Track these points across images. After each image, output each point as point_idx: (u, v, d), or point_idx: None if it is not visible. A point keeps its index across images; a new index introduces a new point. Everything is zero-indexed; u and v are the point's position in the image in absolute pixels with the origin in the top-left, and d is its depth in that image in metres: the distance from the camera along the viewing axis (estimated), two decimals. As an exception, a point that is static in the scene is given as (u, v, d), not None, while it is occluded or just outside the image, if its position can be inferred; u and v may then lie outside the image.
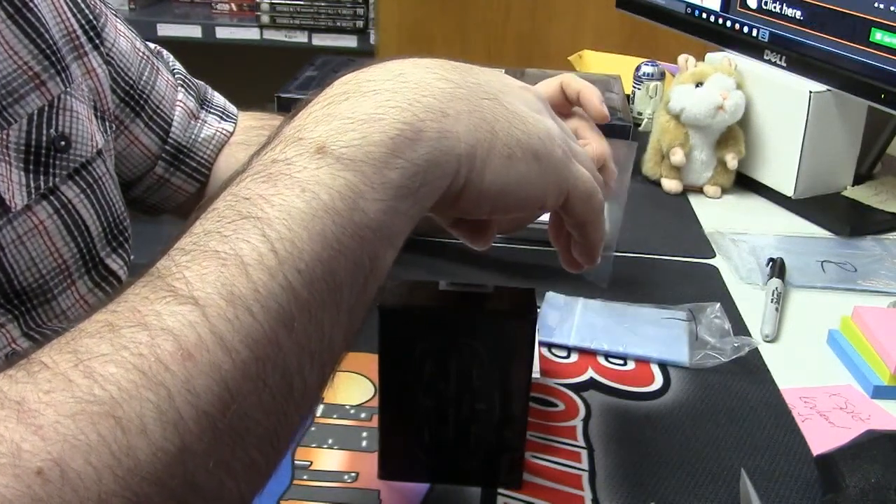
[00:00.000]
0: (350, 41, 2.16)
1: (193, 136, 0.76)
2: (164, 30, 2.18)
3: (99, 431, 0.29)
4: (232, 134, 0.79)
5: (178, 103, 0.75)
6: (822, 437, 0.59)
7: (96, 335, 0.31)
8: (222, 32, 2.19)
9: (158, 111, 0.73)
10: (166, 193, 0.76)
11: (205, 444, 0.31)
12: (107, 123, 0.66)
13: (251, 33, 2.18)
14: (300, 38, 2.17)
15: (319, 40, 2.16)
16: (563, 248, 0.52)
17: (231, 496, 0.33)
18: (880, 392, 0.65)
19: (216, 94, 0.81)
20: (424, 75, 0.40)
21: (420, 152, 0.38)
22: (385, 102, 0.38)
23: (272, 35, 2.17)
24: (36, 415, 0.29)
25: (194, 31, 2.19)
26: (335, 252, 0.35)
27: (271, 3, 2.13)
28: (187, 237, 0.35)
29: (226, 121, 0.79)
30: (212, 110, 0.79)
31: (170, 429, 0.30)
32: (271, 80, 1.20)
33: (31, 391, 0.29)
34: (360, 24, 2.14)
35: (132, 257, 0.67)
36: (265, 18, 2.14)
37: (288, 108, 1.04)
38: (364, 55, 2.12)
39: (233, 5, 2.29)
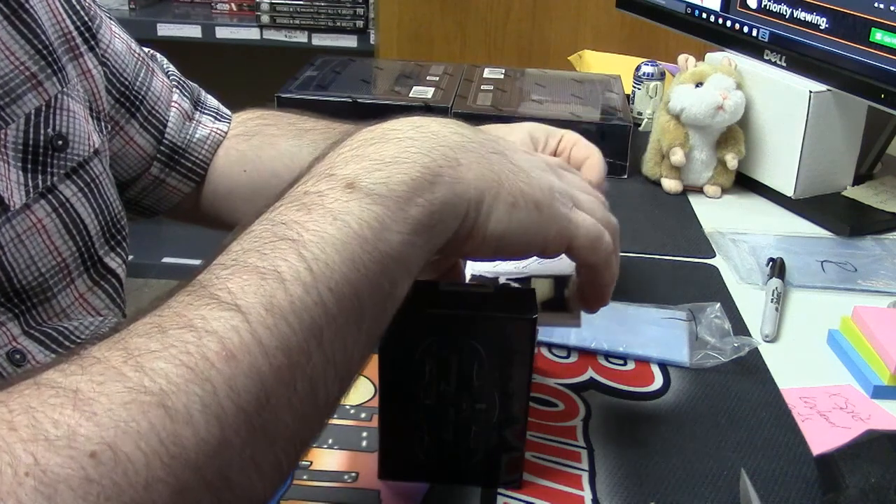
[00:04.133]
0: (350, 41, 2.16)
1: (188, 137, 0.76)
2: (164, 30, 2.18)
3: (149, 419, 0.31)
4: (226, 133, 0.79)
5: (173, 104, 0.75)
6: (822, 437, 0.59)
7: (145, 335, 0.34)
8: (222, 32, 2.19)
9: (154, 112, 0.73)
10: (162, 194, 0.76)
11: (241, 440, 0.33)
12: (102, 124, 0.66)
13: (251, 33, 2.18)
14: (300, 38, 2.17)
15: (319, 40, 2.16)
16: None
17: (257, 494, 0.35)
18: (880, 392, 0.65)
19: (209, 96, 0.82)
20: (440, 128, 0.45)
21: (437, 194, 0.42)
22: (407, 148, 0.43)
23: (272, 35, 2.17)
24: (91, 402, 0.31)
25: (194, 31, 2.19)
26: (361, 276, 0.38)
27: (271, 3, 2.13)
28: (225, 255, 0.38)
29: (220, 121, 0.79)
30: (206, 111, 0.79)
31: (213, 421, 0.32)
32: (271, 80, 1.20)
33: (85, 382, 0.31)
34: (360, 24, 2.14)
35: (130, 256, 0.67)
36: (265, 18, 2.14)
37: (288, 109, 1.04)
38: (364, 55, 2.12)
39: (233, 5, 2.29)
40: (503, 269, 0.61)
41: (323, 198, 0.40)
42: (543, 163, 0.50)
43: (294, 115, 0.81)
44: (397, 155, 0.42)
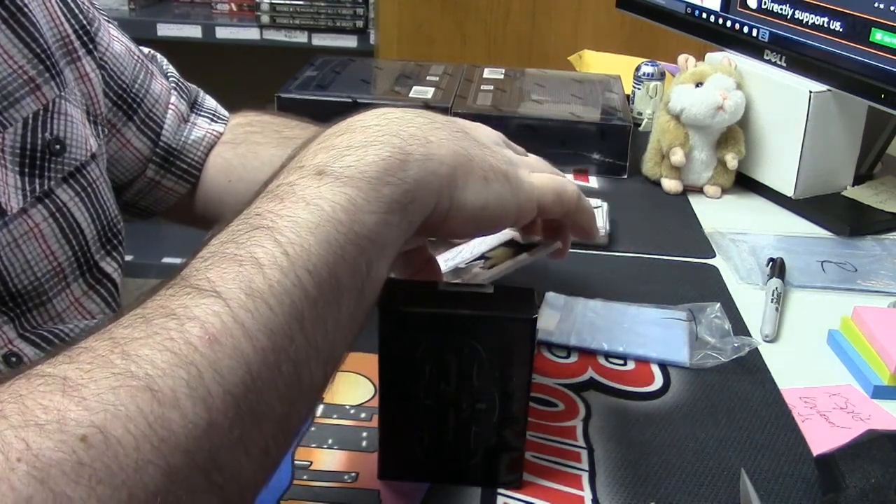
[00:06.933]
0: (350, 41, 2.16)
1: (183, 139, 0.76)
2: (164, 30, 2.18)
3: (137, 403, 0.32)
4: (222, 135, 0.79)
5: (170, 106, 0.75)
6: (822, 437, 0.59)
7: (129, 326, 0.35)
8: (222, 32, 2.19)
9: (151, 115, 0.73)
10: (157, 195, 0.76)
11: (228, 422, 0.34)
12: (99, 128, 0.66)
13: (251, 33, 2.18)
14: (300, 38, 2.17)
15: (319, 40, 2.16)
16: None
17: (246, 478, 0.36)
18: (880, 392, 0.65)
19: (207, 97, 0.82)
20: (405, 114, 0.47)
21: (409, 172, 0.43)
22: (375, 133, 0.44)
23: (272, 35, 2.17)
24: (80, 388, 0.31)
25: (194, 31, 2.19)
26: (338, 257, 0.39)
27: (271, 3, 2.13)
28: (205, 249, 0.39)
29: (216, 122, 0.79)
30: (202, 113, 0.79)
31: (199, 404, 0.33)
32: (271, 80, 1.20)
33: (74, 370, 0.32)
34: (360, 24, 2.14)
35: (126, 259, 0.67)
36: (265, 18, 2.14)
37: (288, 108, 1.05)
38: (364, 55, 2.12)
39: (233, 5, 2.29)
40: (461, 258, 0.63)
41: (294, 187, 0.40)
42: (496, 136, 0.54)
43: (283, 119, 0.81)
44: (365, 140, 0.43)
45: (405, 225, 0.43)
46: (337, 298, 0.39)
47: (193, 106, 0.79)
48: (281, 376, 0.36)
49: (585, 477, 0.55)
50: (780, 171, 0.99)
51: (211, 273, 0.36)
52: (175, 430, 0.32)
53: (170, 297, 0.36)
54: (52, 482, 0.29)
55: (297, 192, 0.40)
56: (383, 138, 0.43)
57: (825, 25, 0.92)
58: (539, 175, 0.52)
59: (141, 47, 0.76)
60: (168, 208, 0.78)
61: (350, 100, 1.07)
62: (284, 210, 0.39)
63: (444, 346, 0.50)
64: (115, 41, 0.70)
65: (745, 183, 1.03)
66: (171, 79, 0.77)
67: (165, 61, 0.79)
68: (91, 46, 0.65)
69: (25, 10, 0.58)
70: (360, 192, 0.41)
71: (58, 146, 0.59)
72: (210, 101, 0.81)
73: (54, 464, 0.29)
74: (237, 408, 0.34)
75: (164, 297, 0.36)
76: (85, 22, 0.65)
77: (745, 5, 1.03)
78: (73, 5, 0.65)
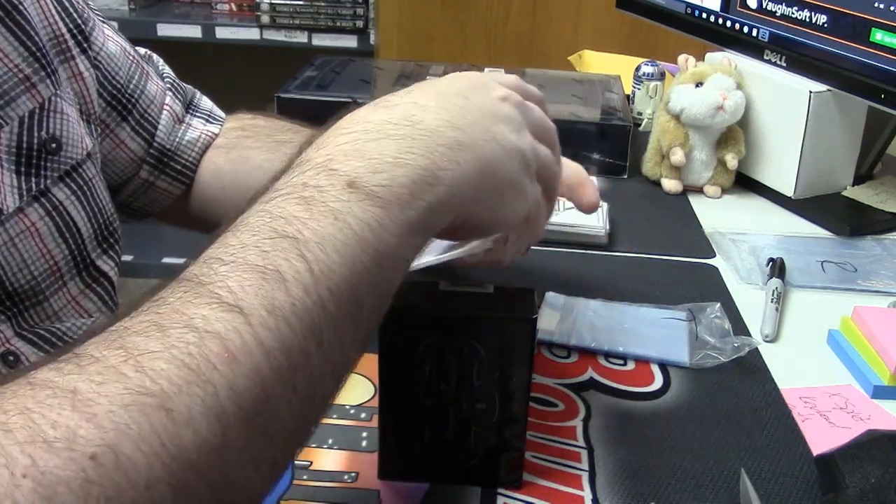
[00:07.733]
0: (350, 41, 2.16)
1: (178, 140, 0.76)
2: (164, 30, 2.18)
3: (151, 421, 0.31)
4: (217, 136, 0.79)
5: (165, 107, 0.75)
6: (822, 437, 0.59)
7: (143, 334, 0.33)
8: (222, 32, 2.18)
9: (146, 115, 0.73)
10: (152, 196, 0.76)
11: (242, 441, 0.34)
12: (92, 127, 0.66)
13: (251, 33, 2.18)
14: (300, 38, 2.16)
15: (319, 40, 2.16)
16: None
17: (255, 491, 0.36)
18: (880, 392, 0.65)
19: (203, 97, 0.81)
20: (436, 123, 0.45)
21: (436, 195, 0.43)
22: (408, 148, 0.43)
23: (272, 35, 2.17)
24: (90, 403, 0.30)
25: (194, 31, 2.19)
26: (360, 276, 0.39)
27: (271, 3, 2.13)
28: (221, 248, 0.37)
29: (211, 123, 0.79)
30: (197, 114, 0.79)
31: (214, 423, 0.32)
32: (271, 80, 1.20)
33: (84, 382, 0.31)
34: (360, 24, 2.14)
35: (125, 259, 0.67)
36: (265, 18, 2.14)
37: (288, 109, 1.04)
38: (364, 55, 2.12)
39: (233, 5, 2.29)
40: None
41: (323, 194, 0.40)
42: (515, 112, 0.50)
43: (276, 123, 0.80)
44: (398, 155, 0.42)
45: (422, 242, 0.44)
46: (356, 315, 0.39)
47: (189, 106, 0.79)
48: (295, 394, 0.36)
49: (585, 477, 0.55)
50: (780, 171, 0.99)
51: (232, 282, 0.36)
52: (188, 447, 0.32)
53: (187, 303, 0.35)
54: (59, 499, 0.28)
55: (327, 201, 0.39)
56: (416, 157, 0.42)
57: (825, 25, 0.92)
58: (536, 190, 0.51)
59: (137, 48, 0.76)
60: (163, 210, 0.78)
61: (350, 100, 1.06)
62: (312, 221, 0.38)
63: (444, 346, 0.50)
64: (110, 41, 0.70)
65: (745, 183, 1.03)
66: (166, 79, 0.77)
67: (161, 62, 0.79)
68: (85, 46, 0.65)
69: (20, 7, 0.58)
70: (388, 213, 0.40)
71: (54, 145, 0.59)
72: (206, 102, 0.81)
73: (62, 481, 0.29)
74: (250, 426, 0.34)
75: (180, 301, 0.35)
76: (80, 21, 0.65)
77: (745, 5, 1.03)
78: (67, 4, 0.64)
